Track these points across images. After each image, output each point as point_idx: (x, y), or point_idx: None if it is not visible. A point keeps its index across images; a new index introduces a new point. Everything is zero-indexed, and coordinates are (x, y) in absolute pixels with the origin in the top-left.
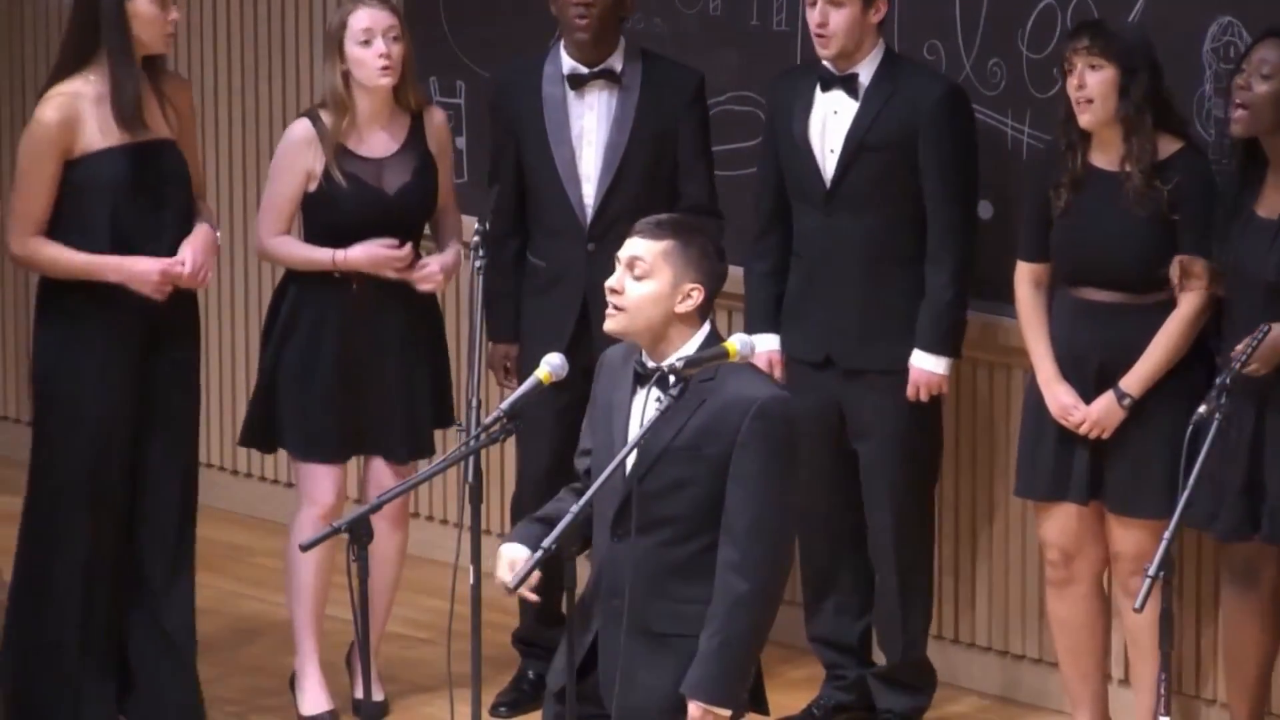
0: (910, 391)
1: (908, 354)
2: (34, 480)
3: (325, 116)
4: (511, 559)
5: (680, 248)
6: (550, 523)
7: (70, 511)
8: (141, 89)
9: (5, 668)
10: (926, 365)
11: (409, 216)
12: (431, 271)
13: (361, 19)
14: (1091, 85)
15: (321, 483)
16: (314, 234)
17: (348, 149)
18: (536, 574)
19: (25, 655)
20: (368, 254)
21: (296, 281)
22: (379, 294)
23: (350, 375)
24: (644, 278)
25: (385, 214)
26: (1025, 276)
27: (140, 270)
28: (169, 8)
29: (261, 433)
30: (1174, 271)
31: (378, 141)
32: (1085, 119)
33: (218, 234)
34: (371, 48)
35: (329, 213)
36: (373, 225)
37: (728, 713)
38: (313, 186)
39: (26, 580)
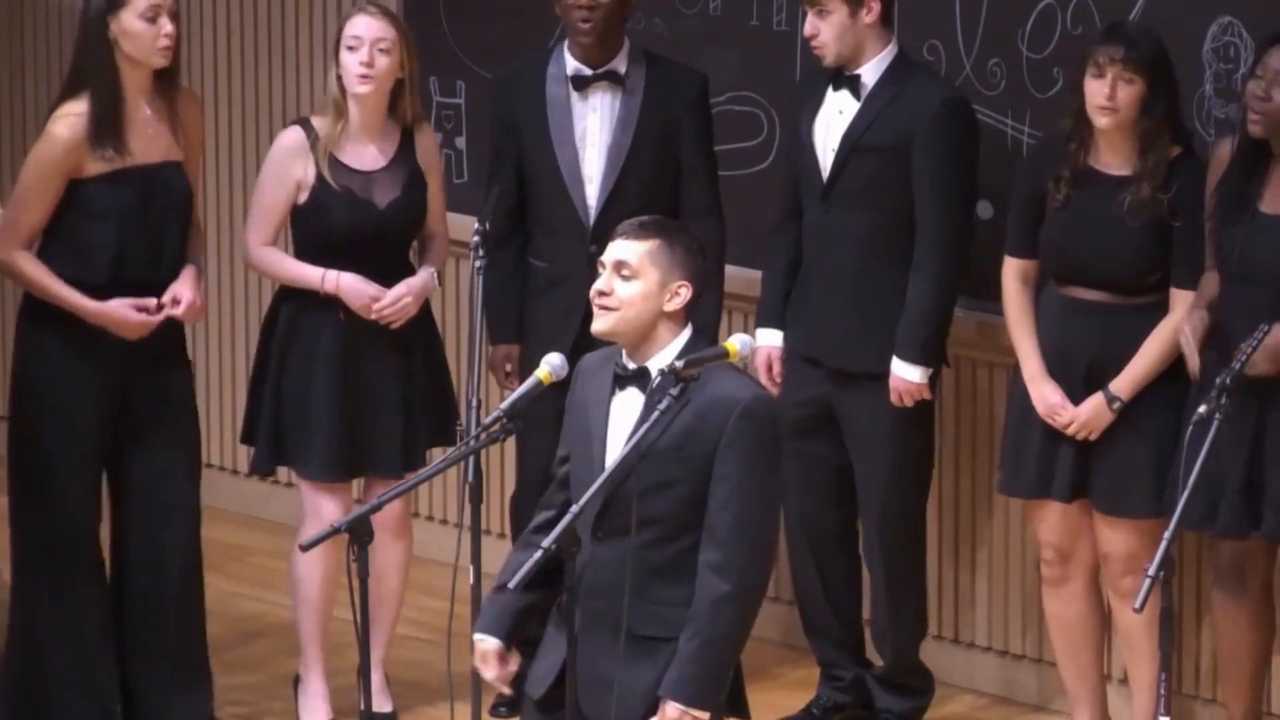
0: (894, 399)
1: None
2: (16, 492)
3: (319, 124)
4: (482, 652)
5: (665, 246)
6: (503, 587)
7: (52, 522)
8: (142, 110)
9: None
10: (903, 373)
11: (398, 231)
12: (404, 305)
13: (355, 25)
14: (1121, 97)
15: (328, 503)
16: (303, 246)
17: (338, 160)
18: (515, 665)
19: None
20: (354, 289)
21: (289, 303)
22: (369, 324)
23: (349, 398)
24: (631, 279)
25: (376, 227)
26: (1013, 272)
27: (120, 320)
28: (160, 22)
29: (270, 457)
30: (1189, 345)
31: (368, 154)
32: (1104, 122)
33: (203, 271)
34: (356, 55)
35: (319, 224)
36: (363, 239)
37: (705, 715)
38: (302, 197)
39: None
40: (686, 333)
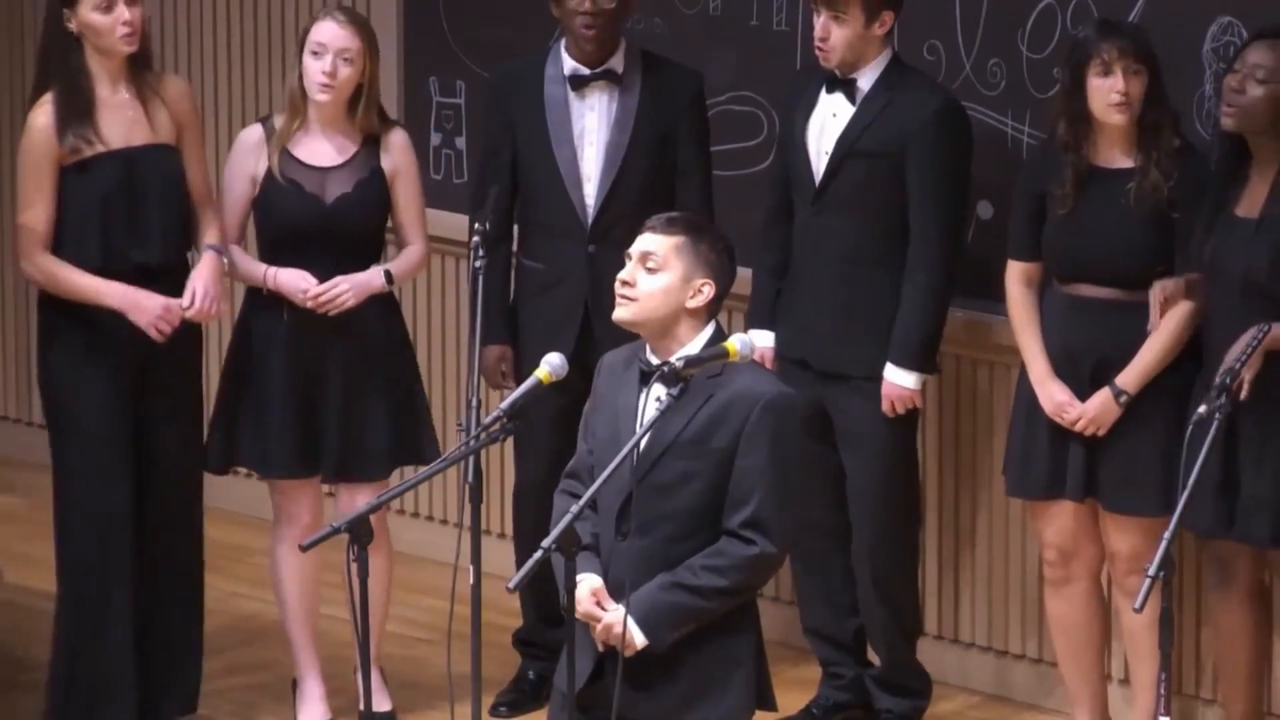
0: (885, 406)
1: (885, 361)
2: (57, 497)
3: (278, 120)
4: (594, 589)
5: (692, 243)
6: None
7: (86, 522)
8: (120, 95)
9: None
10: (897, 380)
11: (347, 228)
12: (339, 293)
13: (320, 31)
14: (1133, 90)
15: (293, 499)
16: (261, 242)
17: (294, 156)
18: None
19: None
20: (291, 283)
21: (246, 301)
22: (320, 322)
23: (298, 396)
24: (656, 271)
25: (321, 222)
26: (1016, 275)
27: (144, 305)
28: (117, 11)
29: (224, 454)
30: (1156, 300)
31: (325, 152)
32: (1119, 119)
33: (225, 260)
34: (319, 61)
35: (267, 218)
36: (309, 234)
37: (642, 641)
38: (256, 191)
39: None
40: (708, 331)
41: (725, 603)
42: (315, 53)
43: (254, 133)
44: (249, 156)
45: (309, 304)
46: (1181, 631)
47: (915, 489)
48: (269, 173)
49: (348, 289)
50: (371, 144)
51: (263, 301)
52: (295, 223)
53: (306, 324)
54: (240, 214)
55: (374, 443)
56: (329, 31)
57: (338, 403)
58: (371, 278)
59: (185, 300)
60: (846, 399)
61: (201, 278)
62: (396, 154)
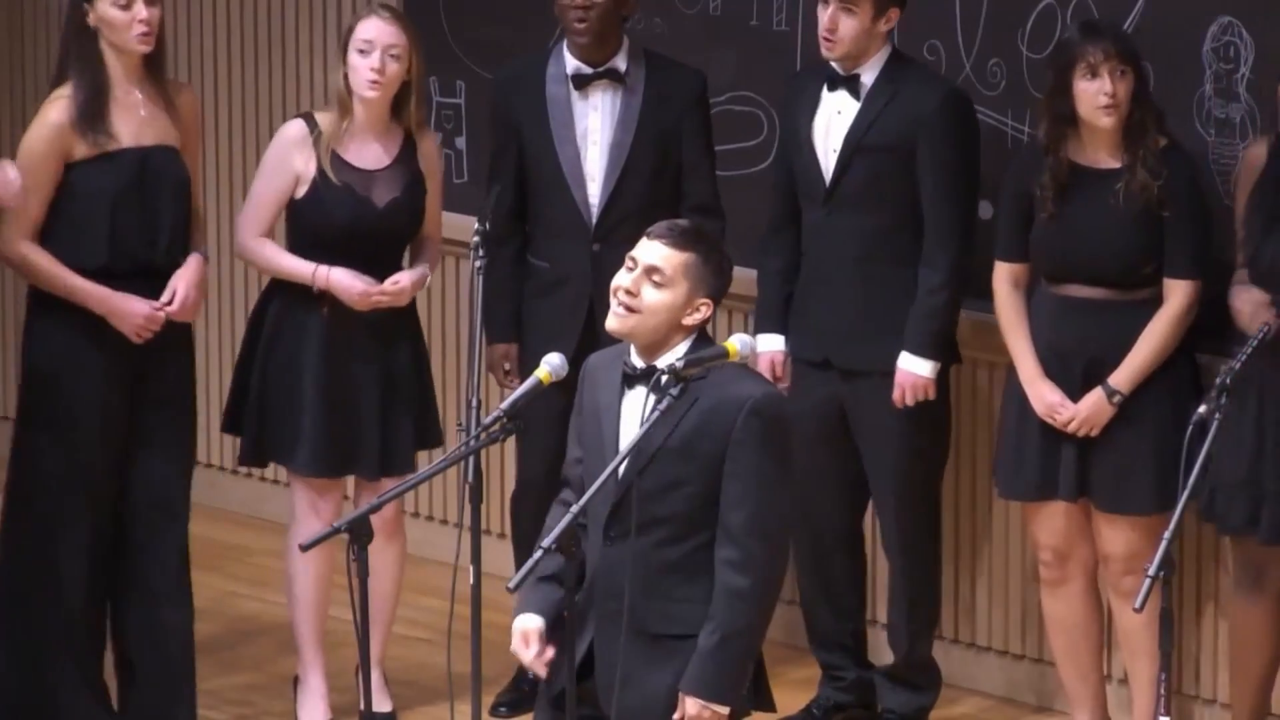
0: (896, 394)
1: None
2: (13, 483)
3: (323, 120)
4: (524, 630)
5: (700, 262)
6: (554, 579)
7: (48, 520)
8: (133, 95)
9: None
10: (911, 368)
11: (395, 232)
12: (402, 289)
13: (367, 28)
14: (1120, 92)
15: (321, 500)
16: (299, 240)
17: (340, 157)
18: (549, 650)
19: (7, 655)
20: (345, 283)
21: (278, 299)
22: (354, 320)
23: (334, 396)
24: (662, 287)
25: (373, 226)
26: (1004, 276)
27: (125, 309)
28: (135, 9)
29: (255, 451)
30: (1255, 315)
31: (370, 153)
32: (1108, 121)
33: (206, 265)
34: (367, 59)
35: (317, 219)
36: (360, 237)
37: (725, 710)
38: (301, 191)
39: (7, 584)
40: (691, 335)
41: (761, 623)
42: (362, 50)
43: (298, 128)
44: (293, 152)
45: (368, 296)
46: (1181, 631)
47: (939, 475)
48: (321, 173)
49: (408, 286)
50: (409, 146)
51: (297, 297)
52: (346, 225)
53: (342, 321)
54: (275, 208)
55: (404, 438)
56: (375, 28)
57: (374, 400)
58: (420, 277)
59: (164, 298)
60: (868, 392)
61: (184, 279)
62: (429, 154)
